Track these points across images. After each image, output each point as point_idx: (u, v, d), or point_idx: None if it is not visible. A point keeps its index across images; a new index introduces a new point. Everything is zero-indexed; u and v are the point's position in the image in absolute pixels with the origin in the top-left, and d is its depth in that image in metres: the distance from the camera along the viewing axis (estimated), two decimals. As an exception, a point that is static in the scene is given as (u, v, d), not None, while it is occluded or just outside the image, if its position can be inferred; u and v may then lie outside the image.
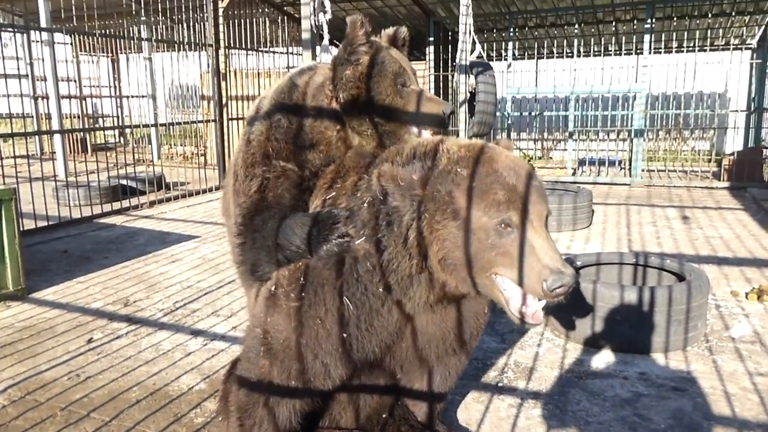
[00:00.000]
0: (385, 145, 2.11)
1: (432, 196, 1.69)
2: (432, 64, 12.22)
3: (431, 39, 12.11)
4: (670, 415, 2.79)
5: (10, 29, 10.95)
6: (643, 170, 10.67)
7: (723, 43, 13.08)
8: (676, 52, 10.86)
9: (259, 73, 11.12)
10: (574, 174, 11.12)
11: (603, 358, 3.41)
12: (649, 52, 10.21)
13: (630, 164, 10.93)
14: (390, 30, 2.34)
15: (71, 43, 14.63)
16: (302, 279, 1.91)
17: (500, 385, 3.12)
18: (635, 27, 12.27)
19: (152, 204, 8.24)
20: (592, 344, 3.53)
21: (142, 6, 10.05)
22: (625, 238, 6.32)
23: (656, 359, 3.39)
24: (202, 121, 10.64)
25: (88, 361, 3.41)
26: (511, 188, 1.65)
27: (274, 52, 11.53)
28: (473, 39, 7.40)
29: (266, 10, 12.07)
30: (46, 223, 6.77)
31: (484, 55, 7.67)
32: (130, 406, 2.90)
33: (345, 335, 1.88)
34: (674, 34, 11.31)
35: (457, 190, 1.67)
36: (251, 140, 2.14)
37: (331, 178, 2.07)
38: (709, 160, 11.79)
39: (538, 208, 1.67)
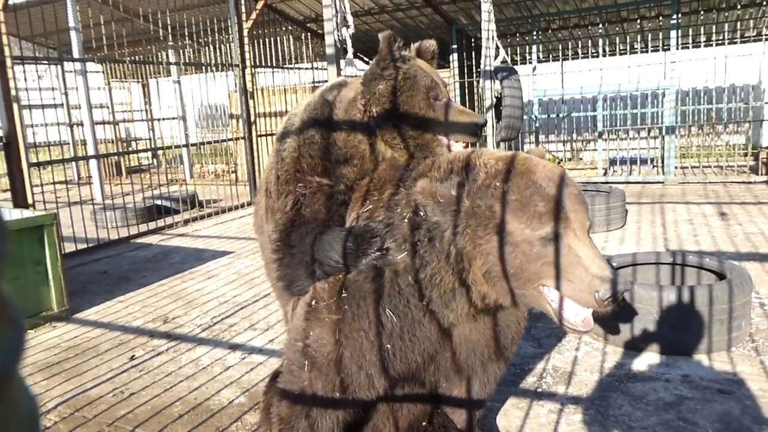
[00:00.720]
0: (418, 157, 2.13)
1: (473, 212, 1.71)
2: (456, 71, 12.22)
3: (454, 47, 12.11)
4: (717, 419, 2.72)
5: (45, 61, 11.40)
6: (676, 167, 10.45)
7: (755, 34, 12.75)
8: (705, 46, 10.63)
9: (285, 89, 11.30)
10: (605, 174, 10.96)
11: (644, 361, 3.35)
12: (677, 48, 10.01)
13: (662, 162, 10.70)
14: (419, 43, 2.38)
15: (103, 71, 15.11)
16: (344, 292, 1.93)
17: (539, 390, 3.09)
18: (661, 23, 12.07)
19: (186, 222, 8.41)
20: (632, 347, 3.47)
21: (170, 31, 10.32)
22: (660, 238, 6.19)
23: (699, 361, 3.31)
24: (231, 139, 10.82)
25: (131, 377, 3.50)
26: (551, 199, 1.66)
27: (299, 68, 11.71)
28: (496, 44, 7.38)
29: (290, 27, 12.28)
30: (85, 246, 6.97)
31: (509, 60, 7.64)
32: (173, 420, 2.96)
33: (389, 346, 1.90)
34: (702, 28, 11.08)
35: (498, 204, 1.68)
36: (284, 157, 2.18)
37: (366, 191, 2.10)
38: (746, 154, 11.48)
39: (580, 216, 1.67)
